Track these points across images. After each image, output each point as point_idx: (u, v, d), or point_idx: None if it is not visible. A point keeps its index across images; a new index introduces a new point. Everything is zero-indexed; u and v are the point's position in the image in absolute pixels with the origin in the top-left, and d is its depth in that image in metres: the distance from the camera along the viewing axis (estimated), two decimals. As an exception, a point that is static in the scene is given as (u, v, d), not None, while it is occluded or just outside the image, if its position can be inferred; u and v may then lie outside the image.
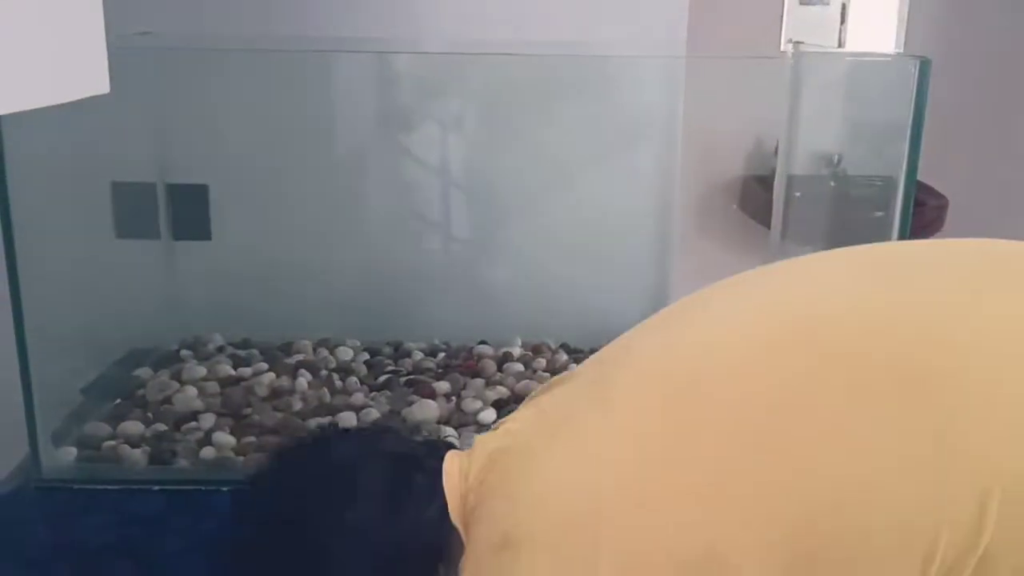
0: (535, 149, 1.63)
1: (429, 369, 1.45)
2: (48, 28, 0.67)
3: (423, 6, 1.65)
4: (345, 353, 1.50)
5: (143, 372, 1.43)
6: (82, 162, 1.57)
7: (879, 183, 2.28)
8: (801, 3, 2.51)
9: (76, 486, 1.16)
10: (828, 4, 2.57)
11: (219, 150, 1.60)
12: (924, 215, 2.38)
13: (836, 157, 2.29)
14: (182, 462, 1.18)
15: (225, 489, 1.14)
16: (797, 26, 2.48)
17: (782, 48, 2.44)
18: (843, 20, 2.55)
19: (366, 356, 1.51)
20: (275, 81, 1.59)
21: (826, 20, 2.54)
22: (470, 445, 1.19)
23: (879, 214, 2.18)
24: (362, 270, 1.65)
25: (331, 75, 1.63)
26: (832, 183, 2.21)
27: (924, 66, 1.04)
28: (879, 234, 2.13)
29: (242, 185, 1.63)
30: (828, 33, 2.57)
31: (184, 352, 1.51)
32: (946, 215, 2.41)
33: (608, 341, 1.56)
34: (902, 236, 1.11)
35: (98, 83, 0.78)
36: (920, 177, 1.97)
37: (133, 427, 1.25)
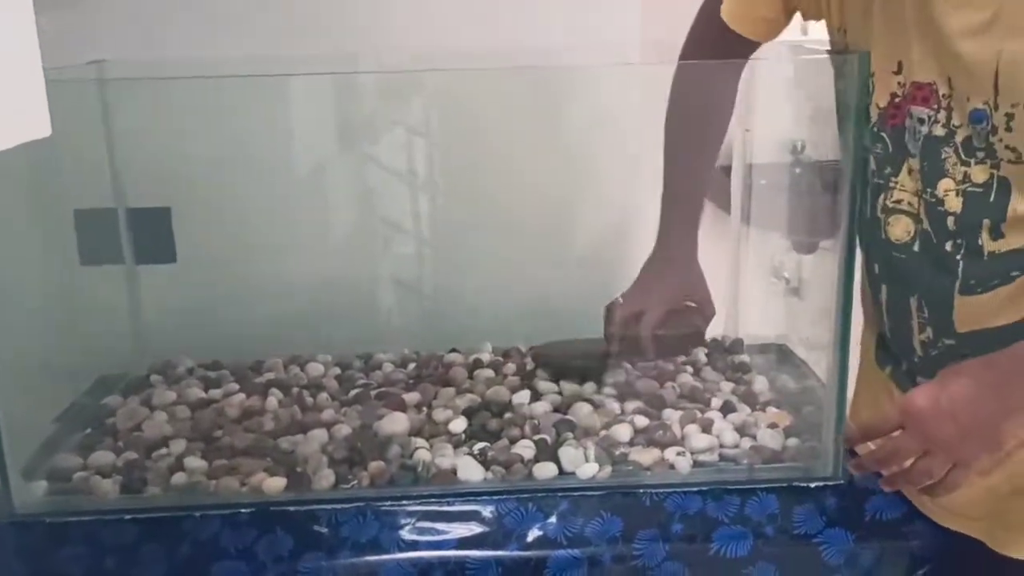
0: (497, 153, 1.64)
1: (400, 380, 1.46)
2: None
3: (383, 19, 1.65)
4: (316, 369, 1.51)
5: (112, 400, 1.42)
6: (43, 191, 1.57)
7: (840, 167, 2.31)
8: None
9: (49, 519, 1.15)
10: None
11: (180, 172, 1.59)
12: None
13: (799, 144, 2.32)
14: (153, 490, 1.18)
15: (197, 515, 1.14)
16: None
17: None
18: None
19: (337, 371, 1.51)
20: (233, 100, 1.58)
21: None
22: (442, 455, 1.21)
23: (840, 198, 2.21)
24: (331, 283, 1.65)
25: (290, 91, 1.63)
26: (797, 170, 2.23)
27: (864, 57, 1.05)
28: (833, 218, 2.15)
29: (206, 205, 1.62)
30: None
31: (154, 377, 1.51)
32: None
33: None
34: (850, 221, 1.12)
35: (39, 127, 0.78)
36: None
37: (103, 457, 1.25)
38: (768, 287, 2.07)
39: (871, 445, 1.10)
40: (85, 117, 1.53)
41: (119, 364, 1.56)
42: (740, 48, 1.23)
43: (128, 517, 1.14)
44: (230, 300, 1.63)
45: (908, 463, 1.02)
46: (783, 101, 1.88)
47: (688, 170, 1.32)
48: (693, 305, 1.33)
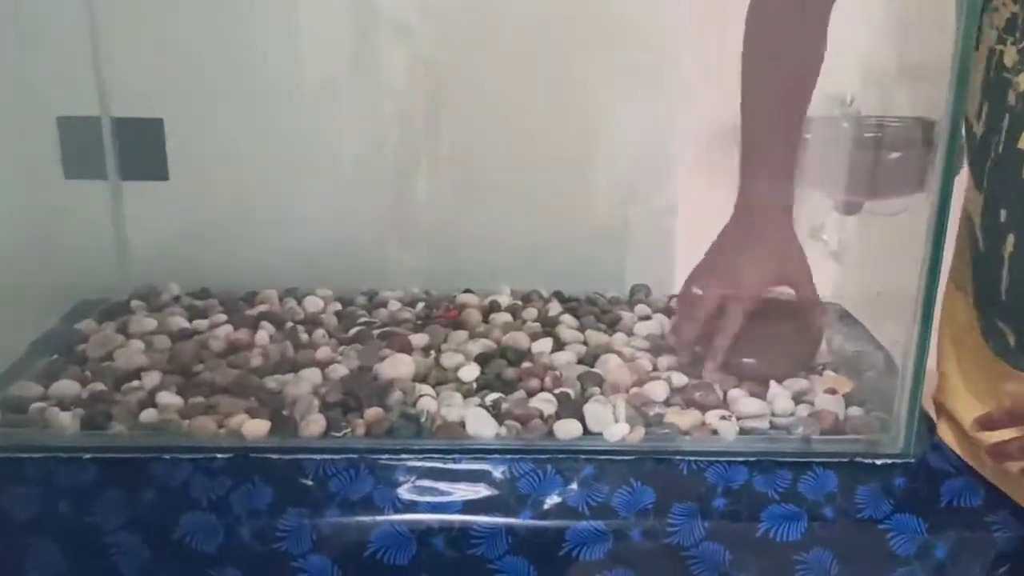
0: (526, 81, 1.47)
1: (407, 320, 1.30)
2: None
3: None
4: (314, 303, 1.35)
5: (86, 325, 1.28)
6: (24, 96, 1.42)
7: (896, 123, 2.13)
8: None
9: (-3, 454, 1.01)
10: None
11: (174, 79, 1.43)
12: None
13: (849, 97, 2.13)
14: (119, 427, 1.03)
15: (167, 457, 0.99)
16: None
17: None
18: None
19: (337, 307, 1.35)
20: (234, 3, 1.43)
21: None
22: (449, 405, 1.06)
23: (895, 155, 2.03)
24: (336, 213, 1.49)
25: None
26: (845, 124, 2.06)
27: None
28: (898, 177, 1.97)
29: (202, 119, 1.47)
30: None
31: (135, 303, 1.36)
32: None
33: (604, 288, 1.43)
34: (946, 181, 0.95)
35: None
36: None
37: (66, 387, 1.10)
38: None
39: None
40: (68, 8, 1.37)
41: (102, 288, 1.42)
42: None
43: (87, 456, 1.00)
44: (224, 225, 1.47)
45: None
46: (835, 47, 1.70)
47: (777, 111, 1.12)
48: (790, 293, 1.13)
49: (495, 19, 1.42)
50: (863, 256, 1.81)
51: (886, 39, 1.84)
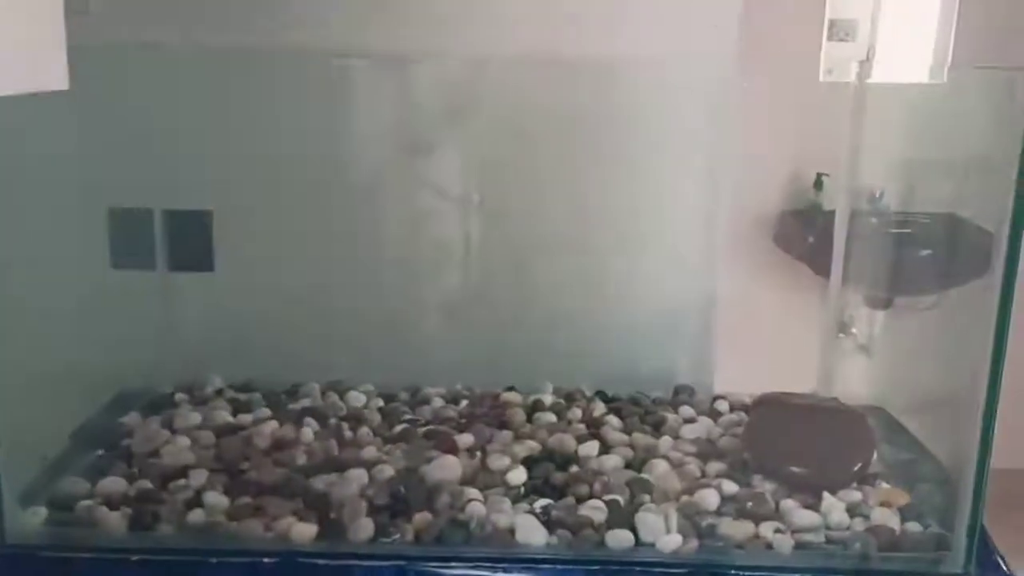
0: (569, 182, 1.49)
1: (450, 418, 1.30)
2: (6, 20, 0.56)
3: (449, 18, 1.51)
4: (357, 399, 1.35)
5: (131, 418, 1.28)
6: (76, 186, 1.45)
7: (925, 220, 2.14)
8: (828, 39, 2.38)
9: (45, 552, 1.00)
10: (856, 40, 2.44)
11: (223, 172, 1.46)
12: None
13: (879, 192, 2.14)
14: (166, 527, 1.02)
15: (213, 560, 0.98)
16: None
17: (821, 79, 2.30)
18: (871, 56, 2.41)
19: (380, 403, 1.35)
20: (286, 97, 1.46)
21: (854, 55, 2.40)
22: (499, 511, 1.04)
23: (926, 252, 2.03)
24: (378, 307, 1.50)
25: (347, 94, 1.49)
26: (873, 220, 2.06)
27: (1038, 78, 0.88)
28: (930, 273, 1.97)
29: (249, 212, 1.49)
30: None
31: (179, 395, 1.36)
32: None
33: (647, 388, 1.42)
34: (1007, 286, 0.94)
35: (57, 79, 0.65)
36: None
37: (114, 484, 1.10)
38: (832, 343, 1.90)
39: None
40: (130, 106, 1.40)
41: (144, 378, 1.42)
42: None
43: (135, 557, 0.99)
44: (268, 317, 1.48)
45: None
46: (874, 142, 1.72)
47: None
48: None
49: (535, 119, 1.45)
50: (898, 354, 1.80)
51: (917, 138, 1.87)
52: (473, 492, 1.09)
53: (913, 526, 1.04)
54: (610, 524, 1.03)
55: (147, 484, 1.10)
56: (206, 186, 1.47)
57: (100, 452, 1.19)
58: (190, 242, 1.49)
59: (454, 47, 1.45)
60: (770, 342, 1.86)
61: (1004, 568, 1.00)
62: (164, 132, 1.42)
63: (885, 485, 1.12)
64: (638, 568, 0.98)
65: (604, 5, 1.44)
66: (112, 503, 1.06)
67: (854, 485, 1.10)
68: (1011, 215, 0.94)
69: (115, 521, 1.03)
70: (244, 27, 1.40)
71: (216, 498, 1.07)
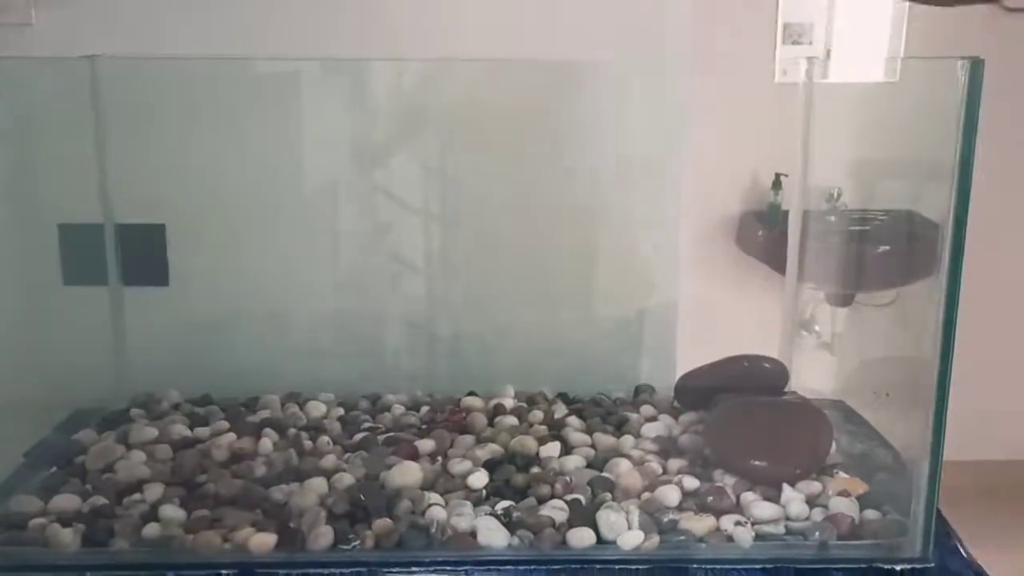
0: (527, 184, 1.49)
1: (411, 425, 1.29)
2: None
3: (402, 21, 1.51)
4: (316, 408, 1.34)
5: (85, 435, 1.25)
6: (25, 201, 1.43)
7: (883, 217, 2.17)
8: (784, 43, 2.41)
9: (-4, 573, 0.98)
10: (812, 43, 2.48)
11: (175, 186, 1.44)
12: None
13: (836, 191, 2.17)
14: (121, 542, 1.01)
15: (170, 574, 0.97)
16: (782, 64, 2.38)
17: (776, 80, 2.33)
18: (827, 57, 2.45)
19: (340, 411, 1.34)
20: (239, 105, 1.45)
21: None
22: (459, 514, 1.04)
23: (884, 248, 2.06)
24: (336, 316, 1.49)
25: (299, 99, 1.48)
26: (832, 218, 2.09)
27: (976, 66, 0.89)
28: (889, 269, 1.99)
29: (202, 224, 1.47)
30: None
31: (135, 411, 1.34)
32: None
33: (609, 389, 1.42)
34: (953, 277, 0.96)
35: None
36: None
37: (67, 501, 1.07)
38: (794, 340, 1.92)
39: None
40: (74, 117, 1.38)
41: (99, 395, 1.40)
42: None
43: (88, 574, 0.97)
44: (224, 329, 1.47)
45: None
46: (828, 142, 1.74)
47: None
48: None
49: (495, 123, 1.45)
50: (860, 349, 1.82)
51: (871, 135, 1.89)
52: (434, 497, 1.08)
53: (872, 514, 1.05)
54: (571, 523, 1.03)
55: (101, 500, 1.08)
56: (158, 200, 1.46)
57: (53, 470, 1.17)
58: (144, 256, 1.47)
59: (408, 51, 1.45)
60: (733, 341, 1.87)
61: (962, 552, 1.01)
62: (112, 145, 1.40)
63: (844, 475, 1.13)
64: (599, 566, 0.98)
65: (558, 10, 1.45)
66: (65, 520, 1.04)
67: (813, 476, 1.11)
68: (953, 205, 0.95)
69: (68, 538, 1.01)
70: (193, 38, 1.39)
71: (172, 511, 1.05)
